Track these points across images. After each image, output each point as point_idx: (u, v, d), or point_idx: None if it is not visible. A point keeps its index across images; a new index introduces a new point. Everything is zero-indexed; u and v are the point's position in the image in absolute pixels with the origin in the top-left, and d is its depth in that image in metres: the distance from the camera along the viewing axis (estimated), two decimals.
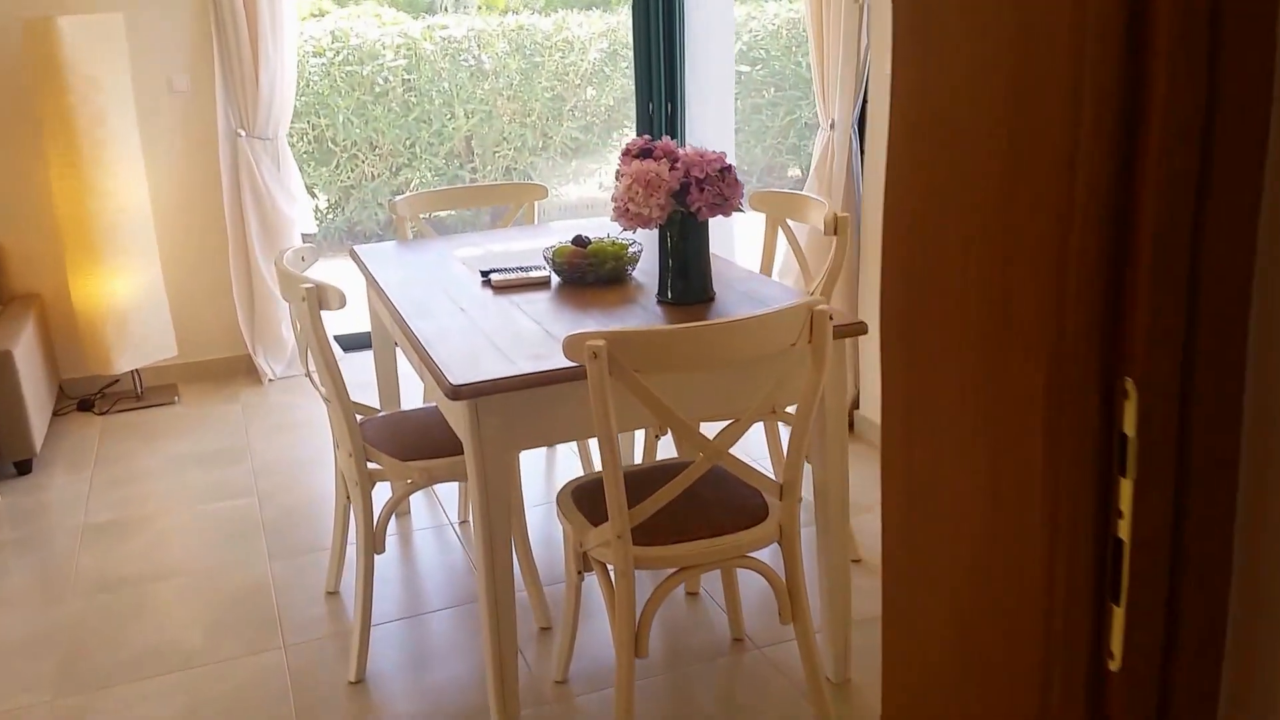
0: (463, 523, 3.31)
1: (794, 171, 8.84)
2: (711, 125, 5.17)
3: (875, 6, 3.43)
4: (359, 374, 4.38)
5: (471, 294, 2.61)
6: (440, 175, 7.74)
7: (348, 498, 2.70)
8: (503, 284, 2.65)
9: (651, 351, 1.89)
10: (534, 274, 2.68)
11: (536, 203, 3.51)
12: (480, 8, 9.54)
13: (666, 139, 2.42)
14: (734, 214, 2.33)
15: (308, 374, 2.55)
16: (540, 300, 2.53)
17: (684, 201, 2.31)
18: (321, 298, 2.29)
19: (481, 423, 2.04)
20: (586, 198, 8.46)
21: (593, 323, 2.33)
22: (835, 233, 2.71)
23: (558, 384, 2.05)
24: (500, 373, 2.03)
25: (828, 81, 3.56)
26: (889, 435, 1.07)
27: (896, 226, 1.02)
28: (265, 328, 4.55)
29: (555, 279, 2.70)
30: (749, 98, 8.53)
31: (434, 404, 2.85)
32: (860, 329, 2.19)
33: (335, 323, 2.63)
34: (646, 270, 2.74)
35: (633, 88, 8.27)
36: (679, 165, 2.30)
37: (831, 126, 3.60)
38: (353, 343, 4.88)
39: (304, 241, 4.61)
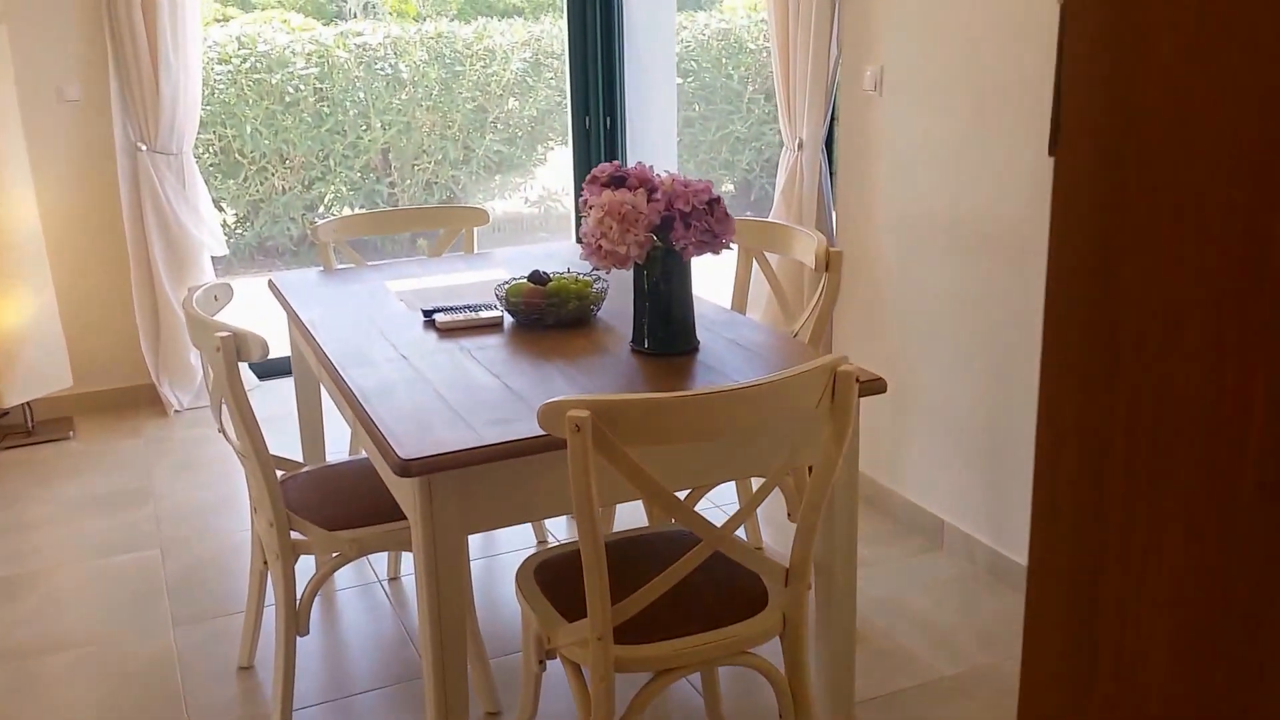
0: (393, 579, 2.96)
1: (727, 187, 8.62)
2: (653, 141, 4.89)
3: (848, 12, 3.19)
4: (274, 405, 3.98)
5: (413, 337, 2.27)
6: (356, 189, 7.32)
7: (264, 562, 2.34)
8: (449, 326, 2.32)
9: (647, 423, 1.59)
10: (484, 314, 2.36)
11: (475, 229, 3.18)
12: (392, 14, 9.13)
13: (640, 164, 2.12)
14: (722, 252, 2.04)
15: (221, 430, 2.18)
16: (493, 346, 2.21)
17: (665, 237, 2.01)
18: (240, 347, 1.94)
19: (436, 503, 1.70)
20: (512, 213, 8.12)
21: (561, 378, 2.02)
22: (827, 268, 2.44)
23: (527, 456, 1.73)
24: (459, 442, 1.71)
25: (794, 98, 3.30)
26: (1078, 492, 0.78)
27: (1081, 265, 0.73)
28: (171, 354, 4.11)
29: (508, 319, 2.38)
30: (679, 111, 8.28)
31: (365, 455, 2.50)
32: (880, 386, 1.91)
33: None
34: (613, 310, 2.43)
35: (558, 99, 7.98)
36: (659, 196, 2.00)
37: (799, 146, 3.33)
38: (267, 369, 4.46)
39: (213, 263, 4.19)
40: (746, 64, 8.40)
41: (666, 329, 2.10)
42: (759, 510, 2.51)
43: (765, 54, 8.43)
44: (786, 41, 3.28)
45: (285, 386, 3.82)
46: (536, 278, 2.37)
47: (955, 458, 3.00)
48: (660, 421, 1.60)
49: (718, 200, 2.00)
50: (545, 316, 2.30)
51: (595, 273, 2.47)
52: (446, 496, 1.71)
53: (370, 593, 2.90)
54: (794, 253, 2.59)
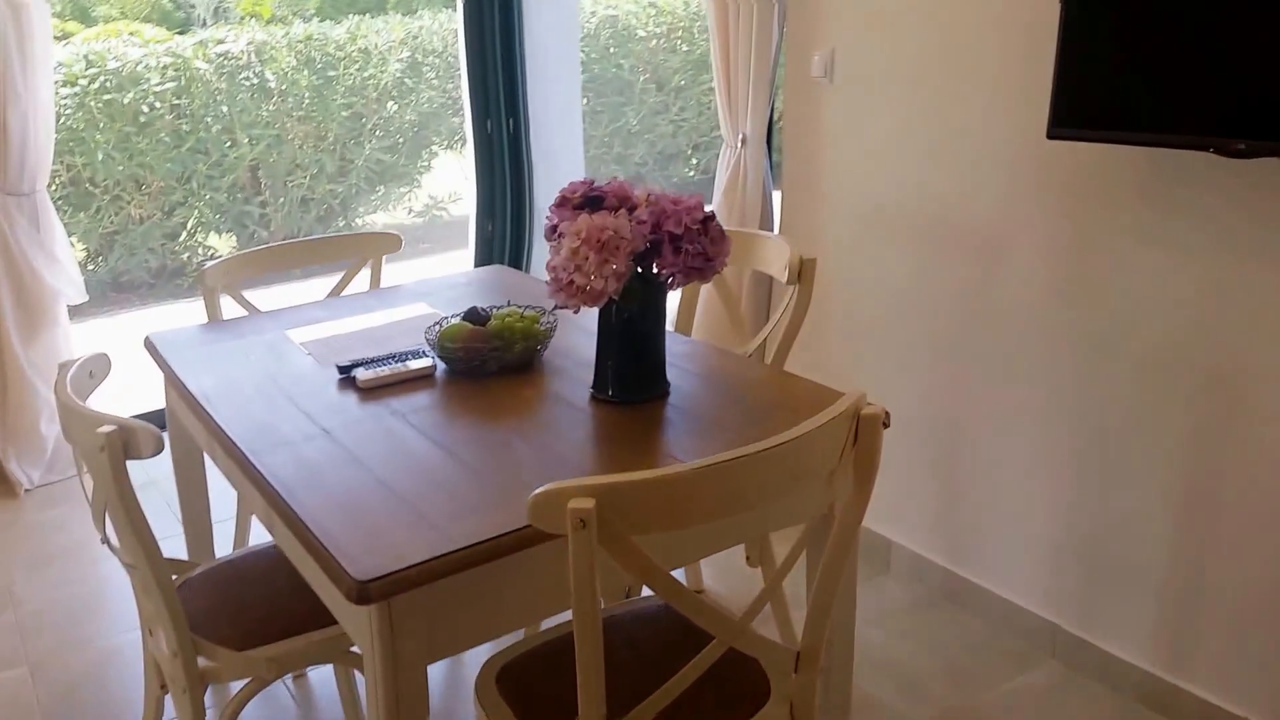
0: (297, 677, 2.54)
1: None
2: (560, 143, 4.53)
3: None
4: (133, 471, 3.49)
5: (330, 401, 1.88)
6: (223, 212, 6.75)
7: (161, 686, 1.93)
8: (373, 384, 1.93)
9: (663, 505, 1.25)
10: (413, 365, 1.98)
11: (385, 260, 2.78)
12: (244, 16, 8.53)
13: (616, 179, 1.77)
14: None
15: (105, 540, 1.76)
16: (429, 405, 1.83)
17: (644, 264, 1.67)
18: (128, 443, 1.53)
19: (399, 632, 1.34)
20: (395, 225, 7.64)
21: (521, 443, 1.65)
22: (799, 280, 2.13)
23: (509, 557, 1.38)
24: (424, 549, 1.34)
25: (735, 90, 2.98)
26: None
27: None
28: (19, 423, 3.57)
29: (440, 366, 2.01)
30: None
31: (271, 544, 2.10)
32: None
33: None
34: (555, 346, 2.08)
35: (442, 101, 7.52)
36: (643, 217, 1.66)
37: (743, 142, 3.02)
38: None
39: (68, 312, 3.68)
40: (636, 52, 8.07)
41: (637, 373, 1.77)
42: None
43: (655, 41, 8.12)
44: (726, 28, 2.96)
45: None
46: (475, 316, 2.01)
47: (904, 472, 2.74)
48: (678, 502, 1.26)
49: (711, 218, 1.66)
50: (488, 363, 1.94)
51: (542, 307, 2.12)
52: (412, 621, 1.34)
53: (272, 697, 2.47)
54: (759, 263, 2.27)
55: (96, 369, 1.82)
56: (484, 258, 4.55)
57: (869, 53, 2.66)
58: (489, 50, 4.27)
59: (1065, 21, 2.01)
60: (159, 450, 1.54)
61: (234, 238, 6.96)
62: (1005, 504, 2.54)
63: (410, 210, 7.79)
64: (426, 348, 2.06)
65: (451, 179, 7.86)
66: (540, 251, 4.45)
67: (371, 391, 1.91)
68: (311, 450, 1.67)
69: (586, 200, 1.75)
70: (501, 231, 4.56)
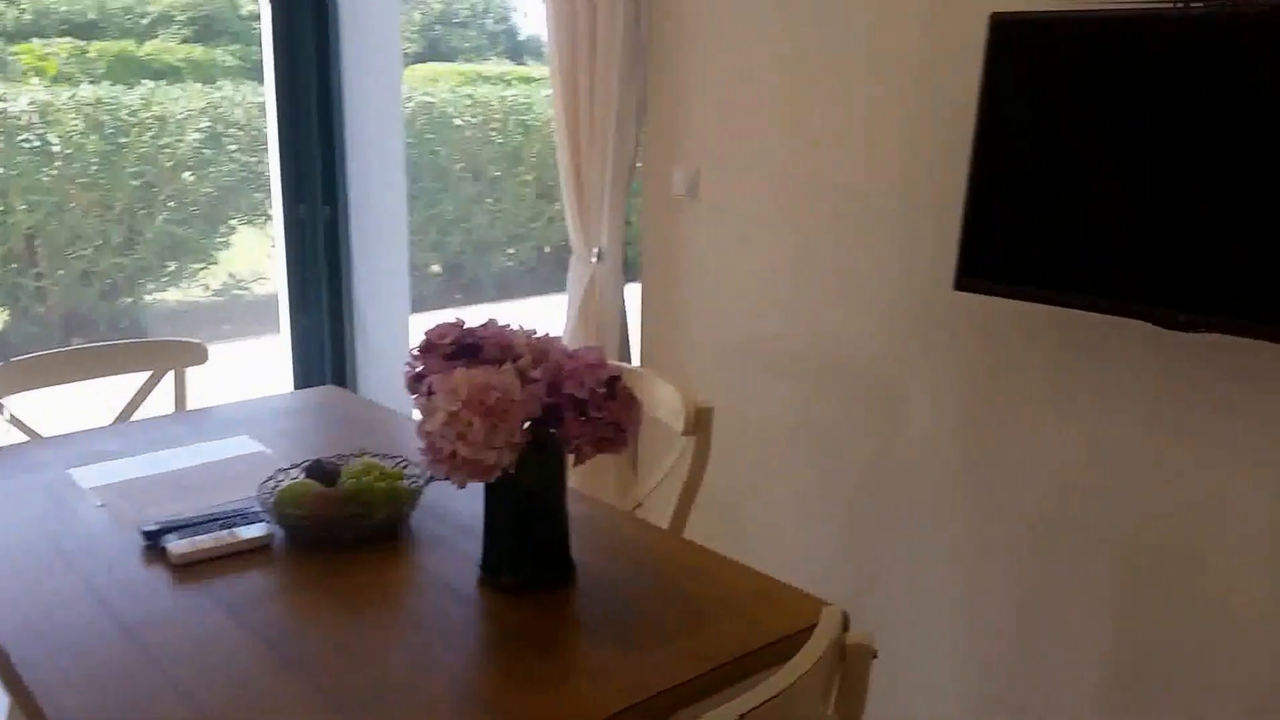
0: None
1: (435, 268, 7.95)
2: (381, 232, 4.20)
3: (654, 104, 2.68)
4: None
5: (132, 581, 1.49)
6: None
7: None
8: (191, 558, 1.54)
9: None
10: (243, 532, 1.60)
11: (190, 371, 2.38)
12: (26, 73, 7.79)
13: (492, 320, 1.49)
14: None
15: None
16: (266, 592, 1.47)
17: (543, 431, 1.38)
18: None
19: None
20: (189, 302, 7.02)
21: (401, 654, 1.31)
22: (696, 430, 1.89)
23: None
24: None
25: (587, 198, 2.75)
26: None
27: None
28: None
29: (278, 533, 1.64)
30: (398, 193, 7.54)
31: None
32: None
33: None
34: (432, 508, 1.74)
35: (243, 175, 7.01)
36: (537, 375, 1.37)
37: (599, 257, 2.77)
38: None
39: None
40: (453, 140, 7.82)
41: (539, 556, 1.46)
42: None
43: (470, 131, 7.90)
44: (577, 131, 2.73)
45: None
46: (322, 473, 1.65)
47: None
48: None
49: (618, 378, 1.39)
50: (342, 533, 1.59)
51: (404, 458, 1.78)
52: None
53: None
54: (647, 407, 2.01)
55: None
56: (300, 353, 4.13)
57: (741, 173, 2.49)
58: (304, 130, 3.90)
59: (975, 172, 1.88)
60: None
61: (5, 312, 6.19)
62: (913, 659, 2.34)
63: (207, 288, 7.18)
64: (258, 506, 1.68)
65: (251, 256, 7.32)
66: (366, 359, 4.07)
67: (189, 569, 1.53)
68: (100, 658, 1.28)
69: (460, 348, 1.46)
70: (318, 323, 4.16)
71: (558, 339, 1.49)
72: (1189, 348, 1.80)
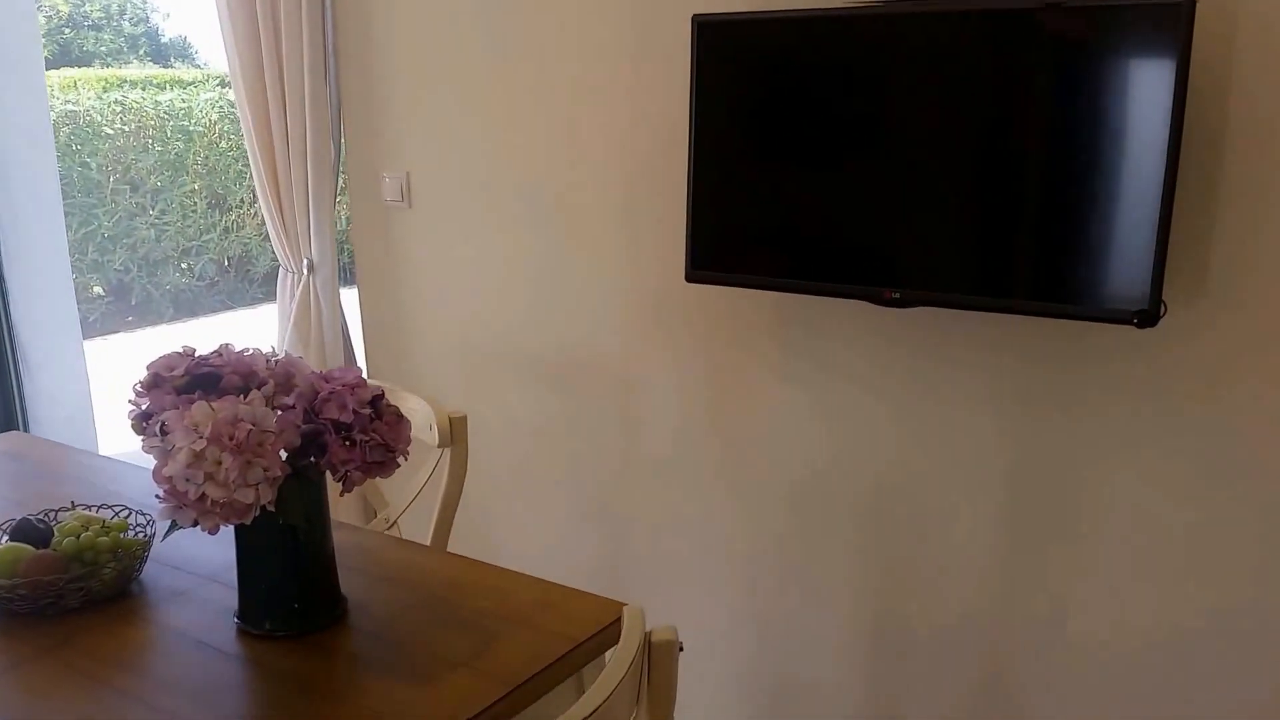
0: None
1: (97, 289, 7.26)
2: (38, 252, 3.79)
3: (351, 109, 2.56)
4: None
5: None
6: None
7: None
8: None
9: None
10: None
11: None
12: None
13: (228, 345, 1.36)
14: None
15: None
16: None
17: (302, 461, 1.28)
18: None
19: None
20: None
21: None
22: (451, 442, 1.83)
23: None
24: None
25: (291, 210, 2.59)
26: None
27: None
28: None
29: None
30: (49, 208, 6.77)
31: None
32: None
33: None
34: (164, 558, 1.57)
35: None
36: (290, 401, 1.27)
37: (310, 268, 2.62)
38: None
39: None
40: (104, 151, 7.17)
41: (306, 595, 1.36)
42: None
43: (124, 139, 7.27)
44: (269, 139, 2.57)
45: None
46: (31, 533, 1.46)
47: None
48: None
49: (381, 396, 1.32)
50: (67, 598, 1.40)
51: (124, 506, 1.60)
52: None
53: None
54: None
55: None
56: None
57: (455, 177, 2.44)
58: None
59: (694, 168, 1.94)
60: None
61: None
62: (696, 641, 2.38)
63: None
64: None
65: None
66: (37, 397, 3.65)
67: None
68: None
69: (194, 379, 1.33)
70: None
71: (299, 359, 1.39)
72: (901, 317, 1.95)
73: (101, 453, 3.06)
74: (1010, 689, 1.98)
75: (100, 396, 3.92)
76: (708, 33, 1.89)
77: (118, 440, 4.69)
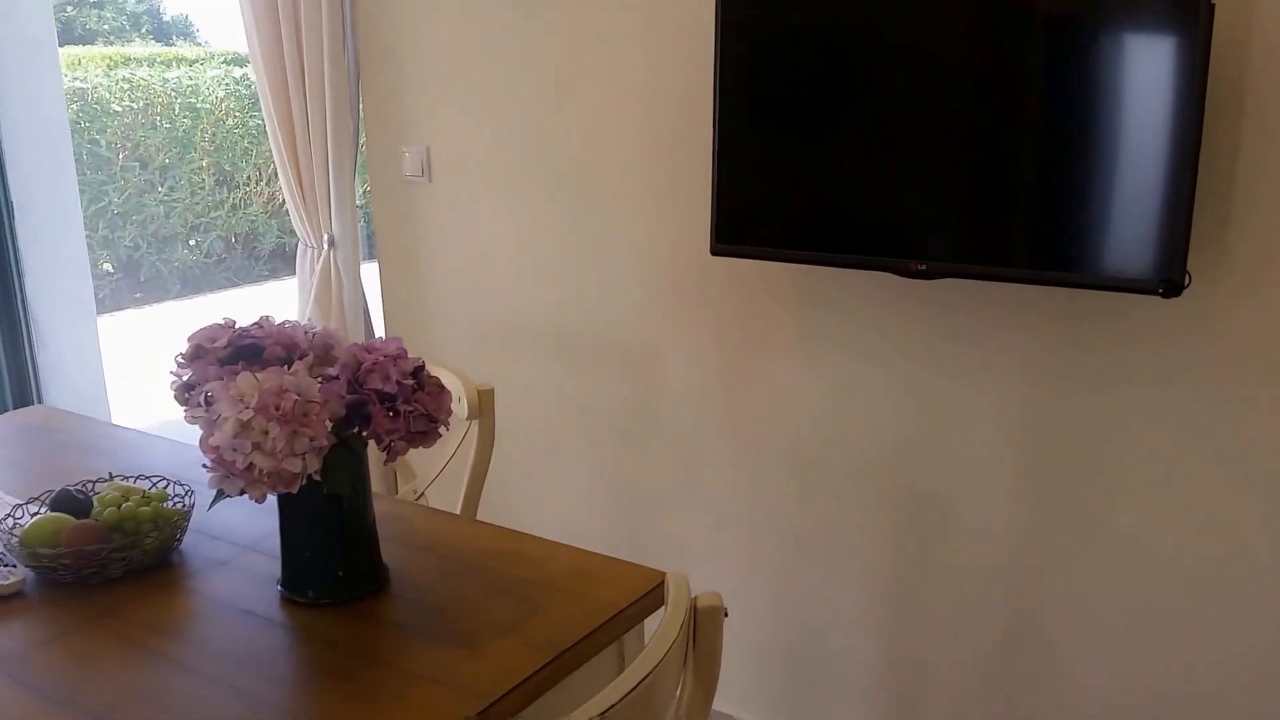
0: None
1: (106, 266, 7.27)
2: (56, 231, 3.79)
3: (370, 83, 2.56)
4: None
5: None
6: None
7: None
8: None
9: None
10: None
11: None
12: None
13: (268, 317, 1.37)
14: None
15: None
16: (33, 643, 1.29)
17: (341, 430, 1.29)
18: None
19: None
20: None
21: (205, 691, 1.19)
22: (480, 414, 1.84)
23: None
24: None
25: (312, 185, 2.59)
26: None
27: None
28: None
29: (30, 577, 1.44)
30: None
31: None
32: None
33: None
34: (205, 528, 1.59)
35: None
36: (335, 372, 1.28)
37: (331, 243, 2.63)
38: None
39: None
40: (113, 128, 7.16)
41: (350, 565, 1.37)
42: None
43: (132, 117, 7.25)
44: (289, 116, 2.57)
45: None
46: (71, 503, 1.47)
47: None
48: None
49: (422, 366, 1.33)
50: (109, 567, 1.42)
51: (162, 476, 1.61)
52: None
53: None
54: None
55: None
56: None
57: (476, 151, 2.44)
58: None
59: (719, 142, 1.94)
60: None
61: None
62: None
63: None
64: (2, 550, 1.47)
65: None
66: (51, 372, 3.66)
67: None
68: None
69: (237, 351, 1.34)
70: None
71: (336, 332, 1.40)
72: (922, 291, 1.95)
73: (135, 427, 3.07)
74: (1038, 627, 2.00)
75: (111, 372, 3.94)
76: (731, 2, 1.89)
77: (130, 414, 4.71)
